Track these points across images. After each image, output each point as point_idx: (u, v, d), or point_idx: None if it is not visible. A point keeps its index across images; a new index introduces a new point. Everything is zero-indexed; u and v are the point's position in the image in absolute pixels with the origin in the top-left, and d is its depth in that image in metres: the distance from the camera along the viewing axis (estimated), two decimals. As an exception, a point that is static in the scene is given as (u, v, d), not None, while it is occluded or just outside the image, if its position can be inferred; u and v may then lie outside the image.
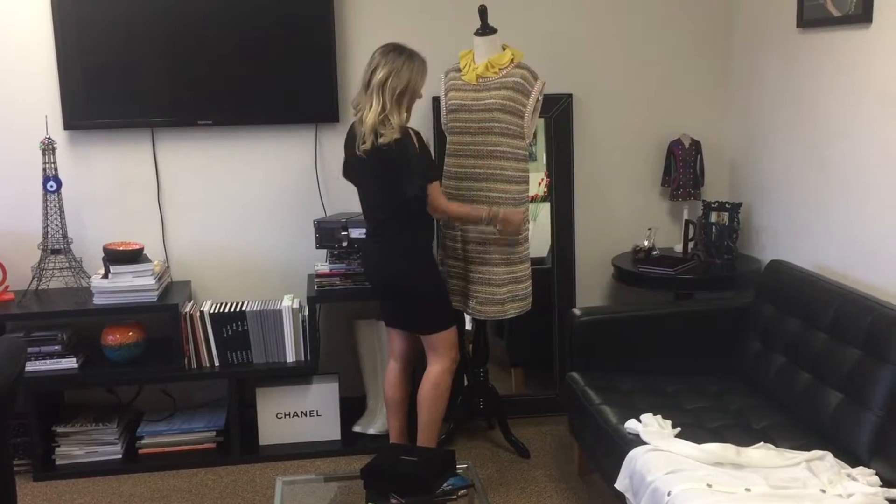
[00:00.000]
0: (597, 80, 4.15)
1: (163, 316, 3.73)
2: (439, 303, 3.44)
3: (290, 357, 3.83)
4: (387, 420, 3.60)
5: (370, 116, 3.16)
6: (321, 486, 3.22)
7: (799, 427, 2.96)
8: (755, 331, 3.42)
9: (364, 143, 3.18)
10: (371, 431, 3.93)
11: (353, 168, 3.38)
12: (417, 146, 3.22)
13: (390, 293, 3.42)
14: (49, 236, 3.71)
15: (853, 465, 2.67)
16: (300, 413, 3.88)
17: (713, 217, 4.04)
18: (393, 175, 3.22)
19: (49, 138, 3.68)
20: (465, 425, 4.01)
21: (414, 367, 3.58)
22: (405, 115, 3.25)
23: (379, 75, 3.17)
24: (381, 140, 3.15)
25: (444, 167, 3.65)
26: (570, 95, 4.08)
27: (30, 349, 3.58)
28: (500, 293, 3.56)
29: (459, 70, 3.61)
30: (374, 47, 3.85)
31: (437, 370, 3.42)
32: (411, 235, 3.34)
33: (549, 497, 3.47)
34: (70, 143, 3.87)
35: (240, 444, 3.80)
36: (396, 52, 3.21)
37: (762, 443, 2.83)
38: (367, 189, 3.37)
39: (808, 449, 2.76)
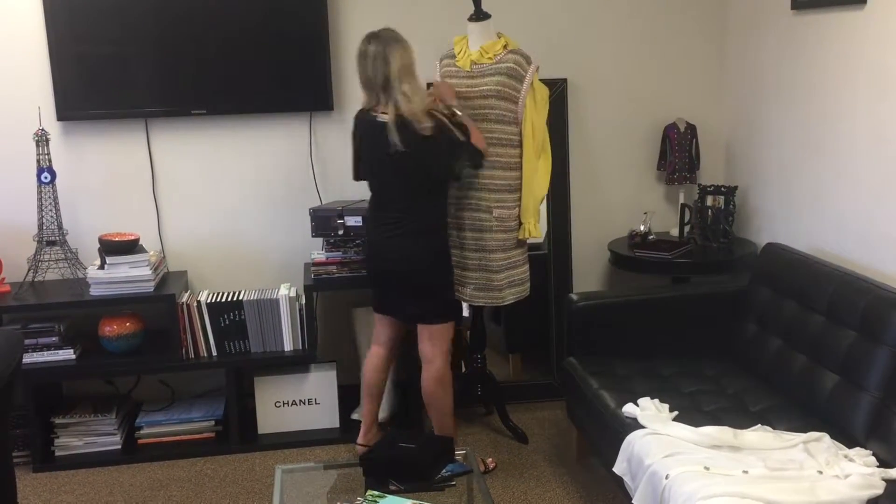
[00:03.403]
0: (592, 64, 4.15)
1: (160, 306, 3.73)
2: (451, 294, 3.45)
3: (288, 346, 3.83)
4: (363, 403, 3.60)
5: (405, 106, 3.14)
6: (320, 474, 3.22)
7: (796, 409, 2.97)
8: (751, 314, 3.43)
9: (400, 139, 3.15)
10: (378, 417, 3.92)
11: (377, 165, 3.32)
12: (449, 124, 3.22)
13: (406, 284, 3.37)
14: (44, 228, 3.70)
15: (850, 447, 2.68)
16: (298, 401, 3.89)
17: (709, 201, 4.04)
18: (438, 166, 3.25)
19: (42, 129, 3.67)
20: (464, 411, 4.02)
21: (396, 355, 3.60)
22: (422, 97, 3.24)
23: (395, 65, 3.15)
24: (421, 131, 3.13)
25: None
26: (564, 80, 4.07)
27: (27, 341, 3.57)
28: (497, 279, 3.56)
29: (454, 56, 3.60)
30: (366, 33, 3.84)
31: (437, 366, 3.40)
32: (435, 228, 3.34)
33: (548, 482, 3.49)
34: (64, 135, 3.86)
35: (239, 433, 3.81)
36: (387, 39, 3.19)
37: (759, 425, 2.84)
38: (393, 182, 3.30)
39: (804, 431, 2.77)
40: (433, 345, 3.40)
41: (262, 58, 3.87)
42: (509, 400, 4.01)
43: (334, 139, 4.03)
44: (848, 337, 2.88)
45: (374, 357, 3.55)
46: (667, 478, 2.54)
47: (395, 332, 3.53)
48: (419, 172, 3.26)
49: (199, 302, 3.76)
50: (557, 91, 4.03)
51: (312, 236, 3.81)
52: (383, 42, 3.18)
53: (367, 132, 3.33)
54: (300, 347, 3.84)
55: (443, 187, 3.38)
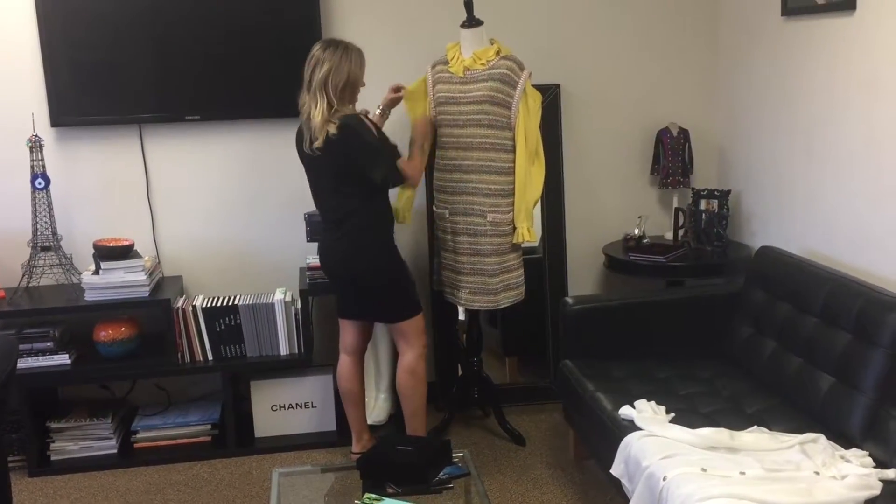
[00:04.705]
0: (585, 70, 4.16)
1: (155, 311, 3.73)
2: (406, 290, 3.46)
3: (284, 350, 3.83)
4: (346, 413, 3.61)
5: (317, 115, 3.18)
6: (318, 477, 3.22)
7: (791, 410, 2.98)
8: (746, 316, 3.44)
9: (316, 140, 3.19)
10: (367, 422, 3.93)
11: (308, 168, 3.37)
12: (371, 126, 3.25)
13: (356, 287, 3.41)
14: (38, 233, 3.69)
15: (846, 447, 2.69)
16: (295, 405, 3.89)
17: (703, 204, 4.06)
18: (355, 163, 3.22)
19: (36, 135, 3.66)
20: (461, 414, 4.03)
21: (364, 359, 3.63)
22: (351, 107, 3.28)
23: (319, 73, 3.18)
24: (331, 131, 3.15)
25: (435, 160, 3.67)
26: (557, 86, 4.09)
27: (22, 346, 3.55)
28: (492, 283, 3.57)
29: (447, 62, 3.61)
30: (361, 40, 3.86)
31: (410, 358, 3.44)
32: (374, 228, 3.35)
33: (545, 484, 3.50)
34: (57, 140, 3.85)
35: (235, 436, 3.80)
36: (333, 48, 3.22)
37: (756, 426, 2.86)
38: (324, 185, 3.33)
39: (801, 432, 2.78)
40: (404, 341, 3.45)
41: (255, 63, 3.87)
42: (506, 403, 4.02)
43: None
44: (842, 339, 2.90)
45: (343, 366, 3.56)
46: (664, 479, 2.55)
47: (359, 336, 3.55)
48: (336, 173, 3.26)
49: (194, 306, 3.76)
50: (550, 96, 4.05)
51: (307, 241, 3.81)
52: (329, 51, 3.21)
53: (297, 133, 3.37)
54: (296, 351, 3.84)
55: (371, 190, 3.33)
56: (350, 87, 3.24)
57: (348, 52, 3.23)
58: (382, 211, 3.38)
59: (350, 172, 3.25)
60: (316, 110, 3.18)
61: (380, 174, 3.25)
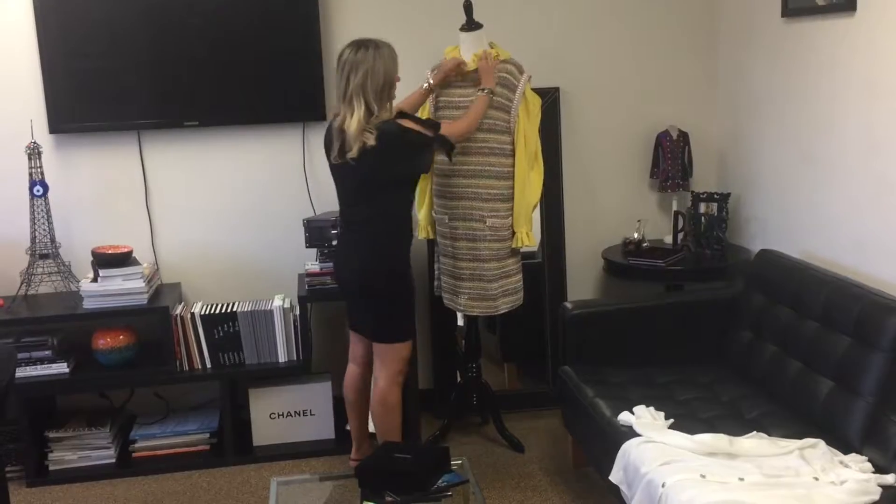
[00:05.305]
0: (584, 72, 4.15)
1: (153, 318, 3.72)
2: (402, 313, 3.33)
3: (283, 357, 3.82)
4: (349, 422, 3.58)
5: (353, 124, 3.06)
6: (316, 486, 3.21)
7: (791, 415, 2.97)
8: (746, 320, 3.43)
9: (350, 150, 3.09)
10: (369, 431, 3.91)
11: (336, 172, 3.29)
12: (411, 123, 3.18)
13: (358, 294, 3.33)
14: (37, 241, 3.69)
15: (845, 453, 2.68)
16: (294, 413, 3.88)
17: (702, 208, 4.04)
18: (403, 166, 3.19)
19: (34, 142, 3.66)
20: (459, 421, 4.02)
21: (371, 372, 3.54)
22: (389, 106, 3.21)
23: (356, 80, 3.08)
24: (369, 143, 3.06)
25: (434, 165, 3.66)
26: (557, 89, 4.08)
27: (20, 355, 3.55)
28: (492, 289, 3.56)
29: (445, 66, 3.61)
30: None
31: (382, 386, 3.32)
32: (392, 238, 3.27)
33: (544, 491, 3.48)
34: (56, 147, 3.85)
35: (234, 445, 3.79)
36: (364, 49, 3.10)
37: (755, 432, 2.84)
38: (349, 191, 3.27)
39: (800, 437, 2.77)
40: (381, 363, 3.33)
41: (254, 69, 3.87)
42: (505, 409, 4.00)
43: (327, 149, 4.03)
44: (842, 343, 2.88)
45: (349, 375, 3.53)
46: (663, 486, 2.54)
47: (366, 348, 3.46)
48: (363, 180, 3.19)
49: (192, 314, 3.75)
50: (550, 100, 4.04)
51: (306, 247, 3.81)
52: (361, 53, 3.10)
53: (325, 138, 3.31)
54: (295, 358, 3.82)
55: (398, 197, 3.26)
56: (388, 87, 3.14)
57: (380, 50, 3.11)
58: (404, 221, 3.29)
59: (380, 180, 3.17)
60: (352, 118, 3.07)
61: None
